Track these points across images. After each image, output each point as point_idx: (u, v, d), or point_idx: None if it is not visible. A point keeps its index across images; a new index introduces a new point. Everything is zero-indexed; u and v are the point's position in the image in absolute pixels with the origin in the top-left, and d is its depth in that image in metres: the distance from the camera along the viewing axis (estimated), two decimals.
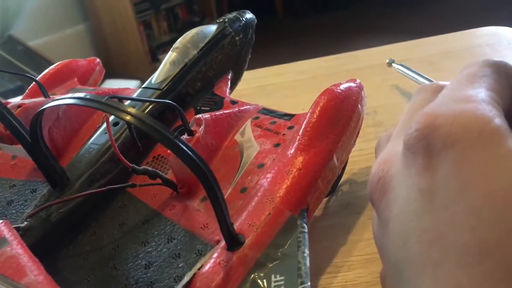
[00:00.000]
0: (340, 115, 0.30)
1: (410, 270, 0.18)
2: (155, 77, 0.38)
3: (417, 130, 0.19)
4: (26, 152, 0.29)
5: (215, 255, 0.25)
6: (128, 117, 0.22)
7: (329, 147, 0.29)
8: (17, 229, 0.27)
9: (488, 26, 0.63)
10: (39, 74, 0.46)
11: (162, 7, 2.79)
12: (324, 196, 0.29)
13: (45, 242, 0.29)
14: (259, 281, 0.23)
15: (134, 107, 0.34)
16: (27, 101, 0.37)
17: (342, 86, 0.31)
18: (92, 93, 0.38)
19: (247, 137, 0.32)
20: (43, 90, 0.41)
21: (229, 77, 0.41)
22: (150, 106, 0.35)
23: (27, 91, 0.44)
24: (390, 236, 0.20)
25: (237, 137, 0.33)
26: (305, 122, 0.30)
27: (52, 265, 0.27)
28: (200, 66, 0.38)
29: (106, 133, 0.34)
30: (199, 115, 0.32)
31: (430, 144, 0.18)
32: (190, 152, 0.22)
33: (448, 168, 0.18)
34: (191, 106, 0.38)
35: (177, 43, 0.40)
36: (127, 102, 0.35)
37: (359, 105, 0.31)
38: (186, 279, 0.25)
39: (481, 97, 0.19)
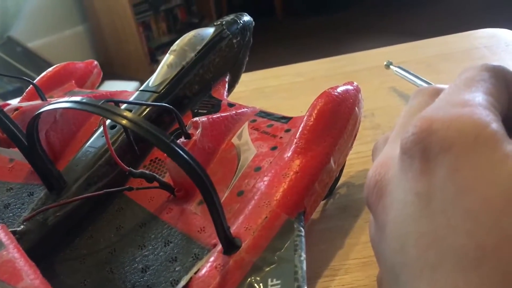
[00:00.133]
0: (337, 118, 0.30)
1: (407, 274, 0.18)
2: (153, 80, 0.38)
3: (414, 134, 0.19)
4: (23, 155, 0.29)
5: (212, 258, 0.25)
6: (124, 121, 0.22)
7: (326, 150, 0.29)
8: (14, 232, 0.27)
9: (486, 28, 0.63)
10: (38, 75, 0.46)
11: (161, 8, 2.79)
12: (321, 199, 0.29)
13: (41, 246, 0.28)
14: (255, 285, 0.23)
15: (131, 111, 0.34)
16: (24, 104, 0.37)
17: (339, 89, 0.31)
18: (89, 96, 0.38)
19: (244, 140, 0.32)
20: (40, 93, 0.41)
21: (227, 79, 0.41)
22: (147, 109, 0.35)
23: (24, 94, 0.44)
24: (387, 240, 0.20)
25: (234, 140, 0.32)
26: (302, 125, 0.30)
27: (48, 268, 0.27)
28: (198, 69, 0.38)
29: (103, 136, 0.34)
30: (196, 118, 0.32)
31: (427, 148, 0.18)
32: (186, 156, 0.22)
33: (445, 172, 0.18)
34: (189, 109, 0.38)
35: (175, 46, 0.40)
36: (123, 106, 0.35)
37: (356, 108, 0.31)
38: (182, 283, 0.25)
39: (478, 101, 0.19)
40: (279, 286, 0.22)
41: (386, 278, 0.22)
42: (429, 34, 0.67)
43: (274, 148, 0.31)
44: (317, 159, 0.28)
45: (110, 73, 2.47)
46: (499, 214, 0.16)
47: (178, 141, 0.30)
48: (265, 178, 0.28)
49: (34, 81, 0.44)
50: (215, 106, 0.37)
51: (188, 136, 0.31)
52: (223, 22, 0.42)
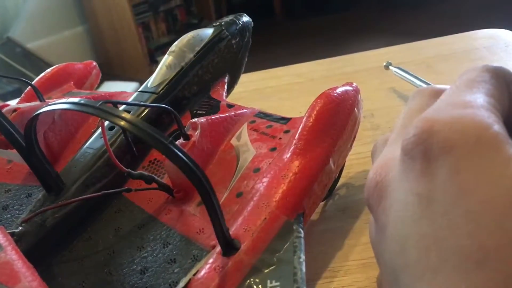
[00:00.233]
0: (336, 119, 0.30)
1: (408, 275, 0.18)
2: (151, 81, 0.38)
3: (415, 135, 0.19)
4: (21, 157, 0.29)
5: (211, 260, 0.24)
6: (122, 123, 0.22)
7: (325, 151, 0.29)
8: (12, 234, 0.27)
9: (486, 29, 0.63)
10: (38, 76, 0.46)
11: (161, 9, 2.79)
12: (320, 201, 0.29)
13: (40, 248, 0.28)
14: (254, 286, 0.22)
15: (129, 112, 0.34)
16: (22, 105, 0.37)
17: (339, 90, 0.31)
18: (88, 97, 0.38)
19: (243, 141, 0.32)
20: (39, 94, 0.40)
21: (226, 80, 0.41)
22: (146, 110, 0.35)
23: (23, 95, 0.44)
24: (388, 241, 0.20)
25: (233, 141, 0.32)
26: (301, 126, 0.29)
27: (47, 270, 0.27)
28: (197, 70, 0.38)
29: (101, 137, 0.34)
30: (195, 119, 0.32)
31: (428, 150, 0.18)
32: (184, 158, 0.21)
33: (447, 174, 0.17)
34: (188, 110, 0.38)
35: (173, 47, 0.40)
36: (122, 107, 0.35)
37: (355, 108, 0.31)
38: (181, 284, 0.24)
39: (479, 103, 0.19)
40: (278, 287, 0.22)
41: (386, 280, 0.22)
42: (428, 35, 0.67)
43: (273, 149, 0.30)
44: (317, 160, 0.28)
45: (109, 74, 2.47)
46: (502, 215, 0.16)
47: (177, 142, 0.30)
48: (264, 179, 0.28)
49: (33, 82, 0.43)
50: (214, 107, 0.37)
51: (187, 137, 0.31)
52: (222, 23, 0.42)
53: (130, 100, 0.38)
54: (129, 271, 0.27)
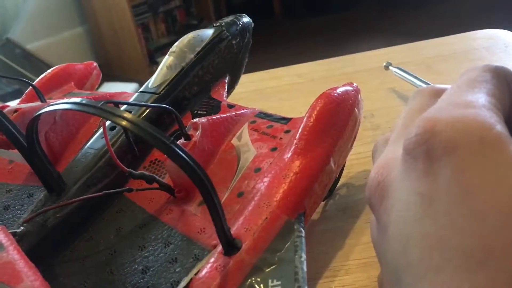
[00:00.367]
0: (336, 119, 0.30)
1: (410, 275, 0.18)
2: (152, 81, 0.38)
3: (417, 135, 0.19)
4: (22, 157, 0.29)
5: (212, 260, 0.24)
6: (124, 122, 0.22)
7: (326, 151, 0.29)
8: (14, 234, 0.27)
9: (485, 29, 0.63)
10: (38, 77, 0.46)
11: (160, 10, 2.79)
12: (321, 200, 0.29)
13: (41, 247, 0.28)
14: (256, 286, 0.23)
15: (130, 112, 0.34)
16: (23, 105, 0.37)
17: (339, 90, 0.31)
18: (88, 98, 0.38)
19: (244, 141, 0.32)
20: (40, 94, 0.41)
21: (226, 81, 0.41)
22: (147, 111, 0.35)
23: (24, 95, 0.44)
24: (390, 241, 0.20)
25: (234, 141, 0.32)
26: (301, 126, 0.30)
27: (48, 270, 0.27)
28: (197, 70, 0.38)
29: (103, 137, 0.34)
30: (196, 119, 0.32)
31: (431, 149, 0.18)
32: (186, 157, 0.22)
33: (450, 174, 0.17)
34: (188, 110, 0.38)
35: (174, 47, 0.40)
36: (123, 107, 0.35)
37: (356, 108, 0.31)
38: (183, 284, 0.24)
39: (481, 102, 0.19)
40: (279, 287, 0.22)
41: (387, 279, 0.22)
42: (428, 35, 0.67)
43: (274, 149, 0.31)
44: (317, 160, 0.28)
45: (109, 75, 2.47)
46: (507, 215, 0.16)
47: (178, 142, 0.30)
48: (265, 179, 0.28)
49: (34, 83, 0.44)
50: (214, 107, 0.37)
51: (188, 137, 0.31)
52: (223, 24, 0.42)
53: (131, 100, 0.38)
54: (131, 271, 0.27)
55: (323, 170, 0.28)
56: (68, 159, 0.34)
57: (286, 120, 0.33)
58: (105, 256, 0.28)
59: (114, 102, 0.29)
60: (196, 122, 0.32)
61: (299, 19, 3.15)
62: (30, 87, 0.42)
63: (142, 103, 0.36)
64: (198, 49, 0.39)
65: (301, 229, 0.25)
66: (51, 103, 0.26)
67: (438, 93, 0.23)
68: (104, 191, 0.30)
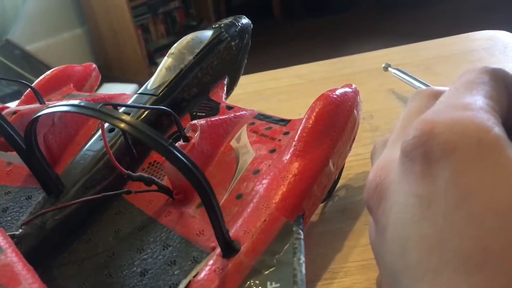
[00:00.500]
0: (335, 120, 0.30)
1: (408, 277, 0.18)
2: (151, 83, 0.38)
3: (415, 137, 0.19)
4: (21, 159, 0.29)
5: (211, 262, 0.24)
6: (122, 125, 0.22)
7: (324, 152, 0.29)
8: (12, 236, 0.27)
9: (484, 30, 0.63)
10: (37, 78, 0.46)
11: (160, 11, 2.79)
12: (320, 202, 0.29)
13: (40, 250, 0.28)
14: None
15: (129, 114, 0.34)
16: (22, 107, 0.37)
17: (338, 91, 0.31)
18: (87, 99, 0.38)
19: (243, 143, 0.32)
20: (39, 96, 0.41)
21: (225, 82, 0.41)
22: (146, 113, 0.35)
23: (22, 97, 0.44)
24: (388, 243, 0.20)
25: (233, 143, 0.32)
26: (300, 128, 0.30)
27: (47, 272, 0.27)
28: (196, 72, 0.38)
29: (101, 139, 0.34)
30: (195, 121, 0.32)
31: (429, 152, 0.18)
32: (184, 159, 0.22)
33: (448, 176, 0.17)
34: (187, 112, 0.38)
35: (173, 49, 0.40)
36: (122, 109, 0.35)
37: (355, 110, 0.31)
38: (181, 286, 0.24)
39: (479, 105, 0.19)
40: None
41: (386, 281, 0.22)
42: (427, 36, 0.67)
43: (272, 151, 0.30)
44: (316, 162, 0.28)
45: (108, 76, 2.47)
46: (505, 218, 0.16)
47: (176, 144, 0.30)
48: (264, 181, 0.28)
49: (32, 85, 0.44)
50: (213, 108, 0.37)
51: (187, 139, 0.31)
52: (222, 25, 0.42)
53: (129, 102, 0.38)
54: (129, 273, 0.27)
55: (322, 172, 0.28)
56: (67, 161, 0.34)
57: (285, 121, 0.33)
58: (103, 259, 0.28)
59: (112, 104, 0.29)
60: (195, 124, 0.32)
61: (299, 20, 3.15)
62: (29, 88, 0.42)
63: (141, 105, 0.36)
64: (197, 50, 0.39)
65: (300, 231, 0.25)
66: (50, 105, 0.26)
67: (437, 95, 0.23)
68: (103, 193, 0.30)
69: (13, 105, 0.42)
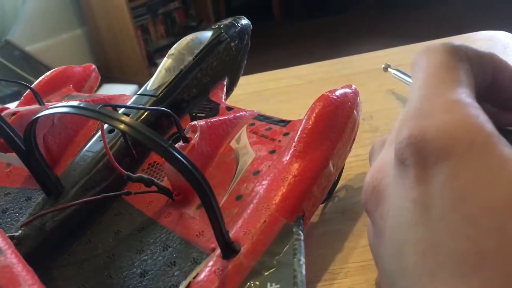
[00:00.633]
0: (335, 121, 0.30)
1: (405, 279, 0.18)
2: (151, 84, 0.38)
3: (408, 145, 0.19)
4: (20, 160, 0.29)
5: (211, 263, 0.24)
6: (121, 126, 0.22)
7: (324, 153, 0.29)
8: (12, 238, 0.27)
9: (484, 30, 0.63)
10: (37, 79, 0.46)
11: (159, 12, 2.80)
12: (320, 203, 0.29)
13: (39, 251, 0.28)
14: None
15: (128, 115, 0.34)
16: (21, 108, 0.37)
17: (338, 92, 0.31)
18: (87, 100, 0.38)
19: (243, 143, 0.32)
20: (38, 97, 0.40)
21: (225, 83, 0.41)
22: (145, 114, 0.35)
23: (22, 98, 0.44)
24: (385, 245, 0.20)
25: (233, 144, 0.32)
26: (300, 129, 0.30)
27: (46, 274, 0.27)
28: (196, 73, 0.38)
29: (101, 140, 0.34)
30: (194, 122, 0.32)
31: (422, 158, 0.18)
32: (184, 160, 0.22)
33: (443, 181, 0.17)
34: (187, 113, 0.38)
35: (172, 50, 0.40)
36: (121, 110, 0.35)
37: (354, 111, 0.31)
38: (181, 287, 0.24)
39: (466, 101, 0.19)
40: None
41: (384, 283, 0.22)
42: (427, 37, 0.67)
43: (272, 152, 0.30)
44: (316, 163, 0.28)
45: (108, 77, 2.47)
46: (501, 218, 0.16)
47: (176, 145, 0.30)
48: (264, 182, 0.28)
49: (32, 85, 0.43)
50: (213, 109, 0.37)
51: (186, 140, 0.31)
52: (221, 26, 0.42)
53: (129, 103, 0.38)
54: (129, 274, 0.27)
55: (322, 173, 0.28)
56: (66, 162, 0.34)
57: (284, 122, 0.33)
58: (103, 260, 0.28)
59: (112, 105, 0.29)
60: (194, 125, 0.32)
61: (298, 21, 3.15)
62: (29, 89, 0.42)
63: (140, 106, 0.36)
64: (196, 51, 0.39)
65: (300, 232, 0.25)
66: (49, 106, 0.26)
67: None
68: (103, 194, 0.30)
69: (12, 106, 0.42)
